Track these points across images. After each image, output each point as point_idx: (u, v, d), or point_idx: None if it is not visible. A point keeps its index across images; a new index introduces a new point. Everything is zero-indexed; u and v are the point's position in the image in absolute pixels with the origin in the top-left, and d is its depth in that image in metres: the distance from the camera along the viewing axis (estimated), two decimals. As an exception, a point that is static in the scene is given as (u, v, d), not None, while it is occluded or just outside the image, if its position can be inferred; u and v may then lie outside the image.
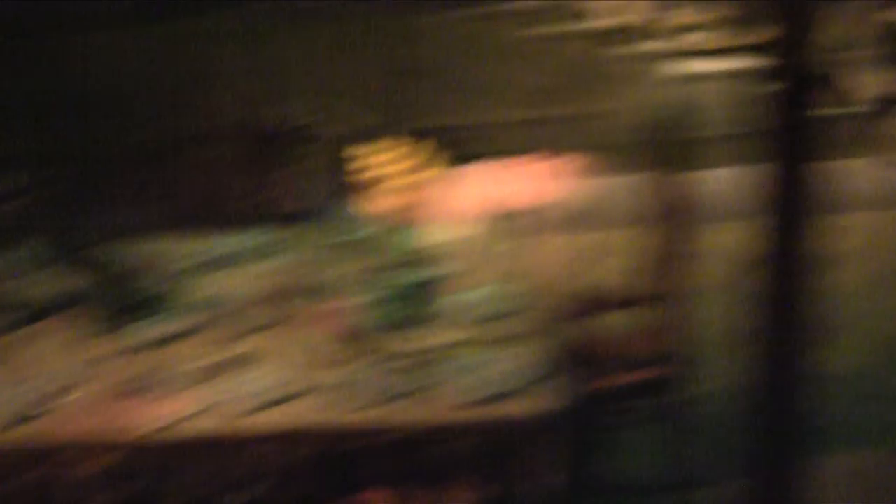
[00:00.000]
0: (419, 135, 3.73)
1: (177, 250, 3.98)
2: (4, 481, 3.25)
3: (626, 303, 4.11)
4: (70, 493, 3.28)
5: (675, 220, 3.87)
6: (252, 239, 4.09)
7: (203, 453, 3.24)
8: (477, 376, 3.38)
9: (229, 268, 3.97)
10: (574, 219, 3.99)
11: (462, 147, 3.92)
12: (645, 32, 5.28)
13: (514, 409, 3.29)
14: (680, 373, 3.91)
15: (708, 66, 5.41)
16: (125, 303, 3.61)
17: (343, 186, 4.34)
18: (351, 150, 3.80)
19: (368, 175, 3.78)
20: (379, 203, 3.77)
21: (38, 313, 3.66)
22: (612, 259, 4.25)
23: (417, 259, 3.74)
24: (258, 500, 3.32)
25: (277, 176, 4.43)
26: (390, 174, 3.74)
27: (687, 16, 5.32)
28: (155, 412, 3.25)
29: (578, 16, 5.19)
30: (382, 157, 3.77)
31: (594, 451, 3.87)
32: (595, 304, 4.12)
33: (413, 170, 3.73)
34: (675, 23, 5.24)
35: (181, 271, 3.86)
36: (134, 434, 3.20)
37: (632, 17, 5.18)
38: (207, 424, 3.22)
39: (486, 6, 5.12)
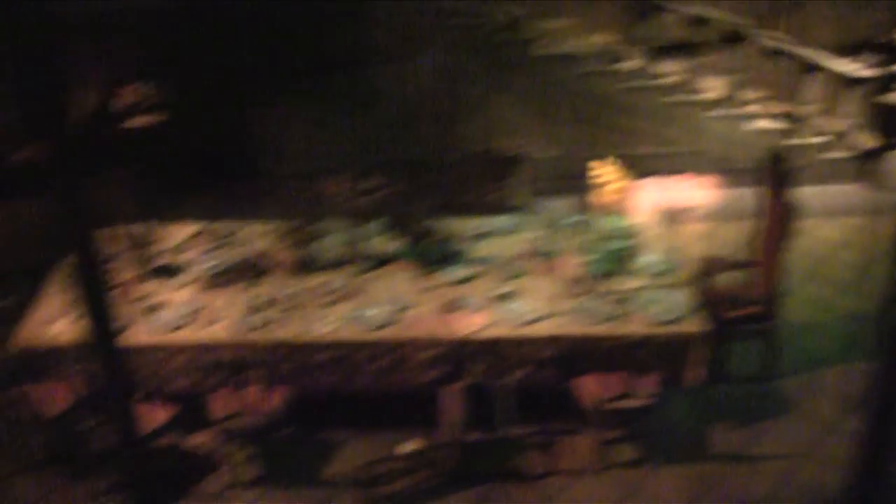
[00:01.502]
0: (615, 159, 5.81)
1: (461, 225, 6.07)
2: (370, 363, 5.36)
3: (740, 266, 6.08)
4: (410, 372, 5.38)
5: (774, 216, 5.78)
6: (503, 220, 6.18)
7: (492, 349, 5.31)
8: (655, 308, 5.39)
9: (492, 238, 6.06)
10: (709, 214, 5.88)
11: (639, 167, 6.02)
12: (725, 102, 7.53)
13: (680, 328, 5.30)
14: (771, 309, 5.86)
15: (762, 124, 7.64)
16: (435, 256, 5.72)
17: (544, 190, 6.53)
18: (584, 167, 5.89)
19: (592, 182, 5.85)
20: (597, 199, 5.82)
21: (384, 261, 5.83)
22: (732, 239, 6.18)
23: (617, 235, 5.78)
24: (520, 382, 5.35)
25: (503, 183, 6.54)
26: (603, 182, 5.78)
27: (750, 93, 7.60)
28: (463, 323, 5.33)
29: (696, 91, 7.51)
30: (598, 172, 5.83)
31: (723, 355, 5.83)
32: (720, 266, 6.11)
33: (615, 180, 5.76)
34: (743, 97, 7.53)
35: (465, 238, 5.95)
36: (452, 336, 5.28)
37: (717, 92, 7.46)
38: (495, 332, 5.30)
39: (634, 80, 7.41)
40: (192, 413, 5.39)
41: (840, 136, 7.69)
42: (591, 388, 5.30)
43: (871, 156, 7.75)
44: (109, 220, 6.38)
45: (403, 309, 5.49)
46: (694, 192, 5.81)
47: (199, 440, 5.51)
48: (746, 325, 5.84)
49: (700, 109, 7.32)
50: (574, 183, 7.01)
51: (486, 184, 6.52)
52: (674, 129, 7.24)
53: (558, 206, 6.65)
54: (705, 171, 6.12)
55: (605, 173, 5.77)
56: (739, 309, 5.79)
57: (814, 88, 7.59)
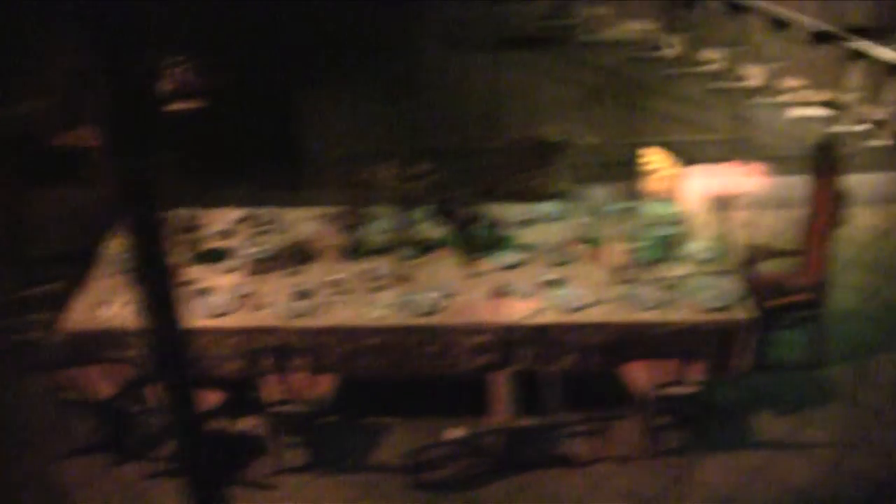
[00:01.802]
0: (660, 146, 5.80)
1: (506, 211, 6.05)
2: (419, 349, 5.35)
3: (786, 254, 6.05)
4: (457, 358, 5.37)
5: (821, 204, 5.73)
6: (548, 207, 6.18)
7: (540, 335, 5.30)
8: (703, 295, 5.36)
9: (538, 224, 6.05)
10: (755, 202, 5.84)
11: (681, 154, 6.01)
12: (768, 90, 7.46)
13: (728, 315, 5.27)
14: (817, 297, 5.82)
15: (804, 112, 7.57)
16: (480, 243, 5.71)
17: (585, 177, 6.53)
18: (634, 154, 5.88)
19: (639, 169, 5.84)
20: (644, 186, 5.80)
21: (429, 247, 5.82)
22: (778, 227, 6.15)
23: (664, 221, 5.76)
24: (568, 369, 5.34)
25: (547, 169, 6.54)
26: (651, 169, 5.76)
27: (792, 81, 7.53)
28: (512, 309, 5.32)
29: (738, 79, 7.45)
30: (647, 159, 5.81)
31: (769, 342, 5.80)
32: (767, 253, 6.07)
33: (663, 167, 5.74)
34: (785, 85, 7.46)
35: (511, 224, 5.93)
36: (501, 322, 5.27)
37: (759, 80, 7.40)
38: (544, 318, 5.29)
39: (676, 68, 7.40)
40: (239, 398, 5.41)
41: (881, 123, 7.64)
42: (639, 374, 5.29)
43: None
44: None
45: (451, 295, 5.48)
46: (742, 179, 5.77)
47: (246, 425, 5.52)
48: (793, 312, 5.81)
49: (742, 97, 7.28)
50: (615, 170, 7.00)
51: (529, 170, 6.52)
52: (716, 116, 7.21)
53: (600, 192, 6.63)
54: (747, 158, 6.10)
55: (653, 160, 5.76)
56: (786, 297, 5.77)
57: (855, 76, 7.53)
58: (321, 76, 6.84)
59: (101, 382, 5.34)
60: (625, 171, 6.99)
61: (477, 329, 5.29)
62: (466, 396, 5.52)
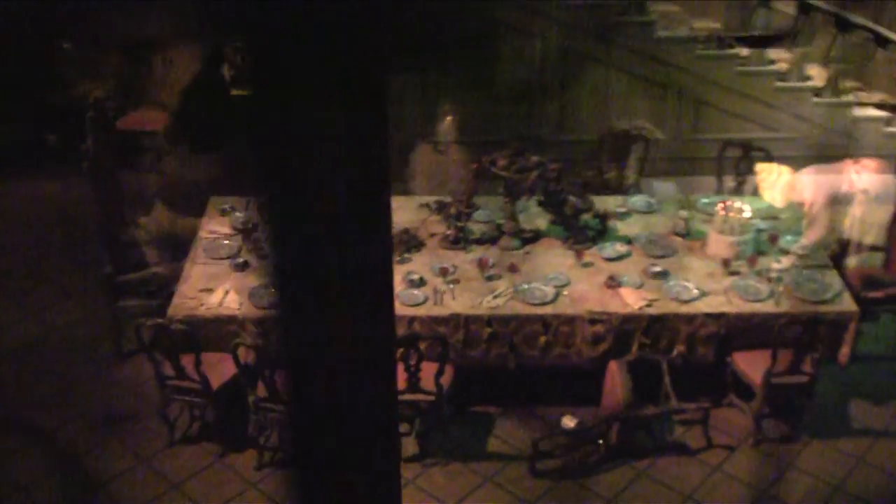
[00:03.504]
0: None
1: (600, 203, 6.08)
2: (533, 338, 5.34)
3: (877, 248, 6.22)
4: (573, 347, 5.39)
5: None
6: (641, 200, 6.27)
7: (654, 325, 5.36)
8: (808, 287, 5.48)
9: (631, 216, 6.12)
10: (861, 197, 5.98)
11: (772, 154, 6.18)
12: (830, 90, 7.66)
13: (836, 307, 5.41)
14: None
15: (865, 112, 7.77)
16: (588, 233, 5.75)
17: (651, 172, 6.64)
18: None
19: (755, 172, 5.97)
20: (758, 185, 5.92)
21: (532, 238, 5.84)
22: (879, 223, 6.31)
23: (764, 216, 5.89)
24: (679, 358, 5.41)
25: (623, 162, 6.61)
26: (761, 171, 5.88)
27: (851, 82, 7.77)
28: (625, 299, 5.36)
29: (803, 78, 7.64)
30: (758, 163, 5.95)
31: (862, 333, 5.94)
32: (859, 248, 6.22)
33: (770, 169, 5.86)
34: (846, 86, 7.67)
35: (609, 216, 5.97)
36: (616, 311, 5.31)
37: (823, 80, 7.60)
38: (657, 309, 5.34)
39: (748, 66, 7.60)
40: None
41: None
42: (750, 364, 5.41)
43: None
44: (232, 190, 6.29)
45: (565, 284, 5.53)
46: (845, 176, 5.90)
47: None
48: (885, 305, 6.00)
49: (806, 96, 7.43)
50: (681, 164, 7.11)
51: (604, 163, 6.58)
52: (780, 114, 7.36)
53: (669, 186, 6.76)
54: (810, 156, 6.26)
55: (755, 159, 5.89)
56: (878, 290, 5.93)
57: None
58: (403, 63, 6.75)
59: (211, 370, 5.22)
60: (691, 165, 7.12)
61: (594, 318, 5.33)
62: (578, 385, 5.59)
